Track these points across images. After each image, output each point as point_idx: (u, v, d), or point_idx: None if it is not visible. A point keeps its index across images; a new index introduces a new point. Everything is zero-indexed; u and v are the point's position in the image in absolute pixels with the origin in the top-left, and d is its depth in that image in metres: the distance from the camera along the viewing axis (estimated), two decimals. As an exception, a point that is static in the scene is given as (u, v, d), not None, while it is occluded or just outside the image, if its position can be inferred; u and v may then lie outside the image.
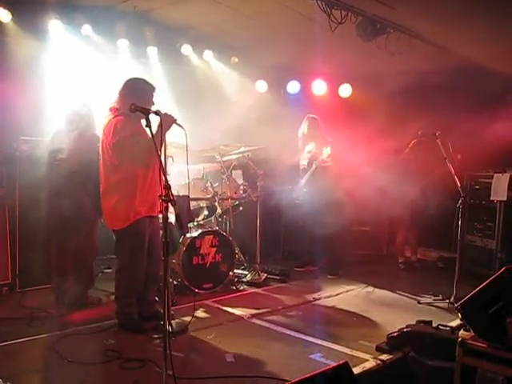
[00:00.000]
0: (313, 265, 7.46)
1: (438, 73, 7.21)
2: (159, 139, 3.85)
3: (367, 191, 7.00)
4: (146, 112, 3.68)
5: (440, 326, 4.48)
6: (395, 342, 4.42)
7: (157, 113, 3.89)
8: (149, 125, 3.58)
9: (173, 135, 4.49)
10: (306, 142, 7.44)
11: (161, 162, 3.54)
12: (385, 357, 4.29)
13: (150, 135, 3.58)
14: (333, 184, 7.01)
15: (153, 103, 4.69)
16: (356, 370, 3.91)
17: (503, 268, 3.62)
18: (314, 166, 7.12)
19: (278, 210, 7.65)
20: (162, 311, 4.11)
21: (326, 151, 6.98)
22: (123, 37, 6.79)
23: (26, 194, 5.74)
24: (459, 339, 3.67)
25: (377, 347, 4.44)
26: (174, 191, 5.81)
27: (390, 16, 5.78)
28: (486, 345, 3.54)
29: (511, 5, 5.05)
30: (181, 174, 6.11)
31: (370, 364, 4.15)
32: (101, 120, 4.90)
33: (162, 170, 3.48)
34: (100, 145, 4.71)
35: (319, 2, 5.26)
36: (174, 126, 4.34)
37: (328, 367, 2.66)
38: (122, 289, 4.86)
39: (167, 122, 4.24)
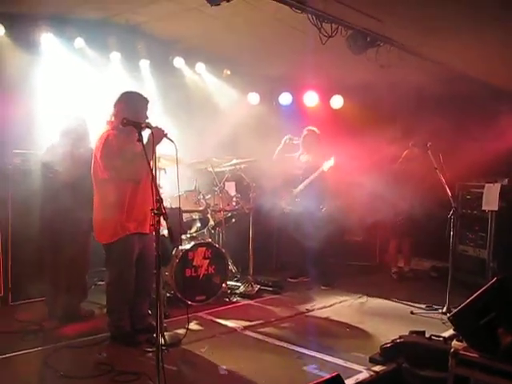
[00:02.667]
0: (306, 276, 7.45)
1: (429, 85, 7.27)
2: (150, 152, 3.85)
3: (360, 201, 7.04)
4: (137, 126, 3.70)
5: (433, 337, 4.50)
6: (388, 353, 4.43)
7: (147, 126, 3.90)
8: (141, 139, 3.60)
9: (165, 148, 4.51)
10: (303, 153, 7.47)
11: (152, 176, 3.55)
12: (378, 368, 4.31)
13: (143, 149, 3.59)
14: (327, 195, 7.03)
15: (147, 117, 4.71)
16: (349, 382, 3.93)
17: (494, 278, 3.65)
18: (312, 176, 7.14)
19: (271, 222, 7.66)
20: (154, 324, 4.16)
21: (329, 163, 6.99)
22: (116, 50, 6.81)
23: (19, 207, 5.71)
24: (452, 349, 3.68)
25: (370, 358, 4.45)
26: (167, 203, 5.82)
27: (380, 29, 5.82)
28: (479, 355, 3.55)
29: (500, 18, 5.10)
30: (173, 186, 6.13)
31: (364, 376, 4.16)
32: (96, 133, 4.92)
33: (154, 183, 3.50)
34: (92, 158, 4.73)
35: (310, 15, 5.30)
36: (165, 139, 4.34)
37: (320, 379, 2.67)
38: (113, 302, 4.86)
39: (158, 135, 4.25)
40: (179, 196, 4.97)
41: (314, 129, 7.46)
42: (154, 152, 3.91)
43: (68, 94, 6.38)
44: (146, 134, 3.98)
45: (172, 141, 4.23)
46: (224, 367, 4.31)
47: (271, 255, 8.39)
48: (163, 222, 3.60)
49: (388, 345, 4.48)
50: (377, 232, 8.53)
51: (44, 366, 4.21)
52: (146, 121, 4.10)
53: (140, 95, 4.84)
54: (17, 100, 5.90)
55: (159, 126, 4.30)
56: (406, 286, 7.48)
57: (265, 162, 7.11)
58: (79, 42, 6.44)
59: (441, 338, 4.47)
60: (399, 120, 7.77)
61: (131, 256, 4.75)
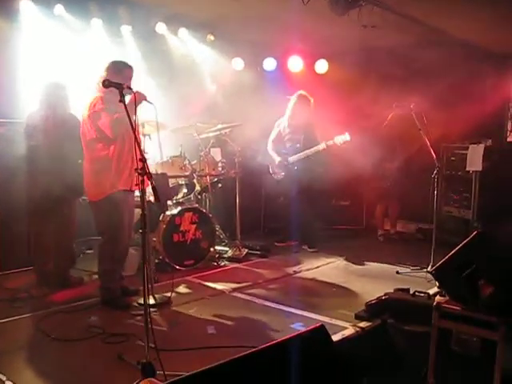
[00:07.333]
0: (293, 239, 7.49)
1: (413, 45, 7.24)
2: (132, 112, 3.88)
3: (346, 166, 7.05)
4: (119, 87, 3.73)
5: (417, 293, 4.59)
6: (374, 310, 4.53)
7: (129, 87, 3.94)
8: (122, 100, 3.63)
9: (149, 113, 4.52)
10: (293, 118, 7.35)
11: (135, 136, 3.59)
12: (364, 324, 4.40)
13: (124, 109, 3.61)
14: (321, 162, 7.02)
15: (130, 83, 4.73)
16: (336, 338, 4.00)
17: (474, 232, 3.72)
18: (320, 147, 7.03)
19: (258, 187, 7.68)
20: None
21: (344, 137, 6.86)
22: (97, 16, 6.69)
23: (4, 176, 5.71)
24: (435, 303, 3.76)
25: (356, 315, 4.55)
26: (152, 169, 5.82)
27: (362, -11, 5.78)
28: (460, 308, 3.63)
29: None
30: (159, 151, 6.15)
31: (350, 331, 4.25)
32: (81, 98, 4.99)
33: (137, 143, 3.52)
34: (81, 120, 4.83)
35: (290, -24, 5.25)
36: (145, 103, 4.39)
37: (304, 330, 2.72)
38: (106, 263, 4.92)
39: (139, 97, 4.28)
40: (161, 157, 4.93)
41: (305, 94, 7.28)
42: (135, 112, 3.93)
43: (49, 62, 6.30)
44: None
45: (151, 103, 4.33)
46: (213, 327, 4.39)
47: (259, 220, 8.44)
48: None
49: (373, 301, 4.58)
50: (364, 196, 8.58)
51: (35, 331, 4.27)
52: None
53: (126, 63, 4.96)
54: (-3, 68, 5.85)
55: (139, 90, 4.36)
56: (392, 248, 7.57)
57: (250, 127, 7.06)
58: (59, 8, 6.32)
59: (424, 295, 4.57)
60: (384, 83, 7.74)
61: (121, 214, 4.82)
